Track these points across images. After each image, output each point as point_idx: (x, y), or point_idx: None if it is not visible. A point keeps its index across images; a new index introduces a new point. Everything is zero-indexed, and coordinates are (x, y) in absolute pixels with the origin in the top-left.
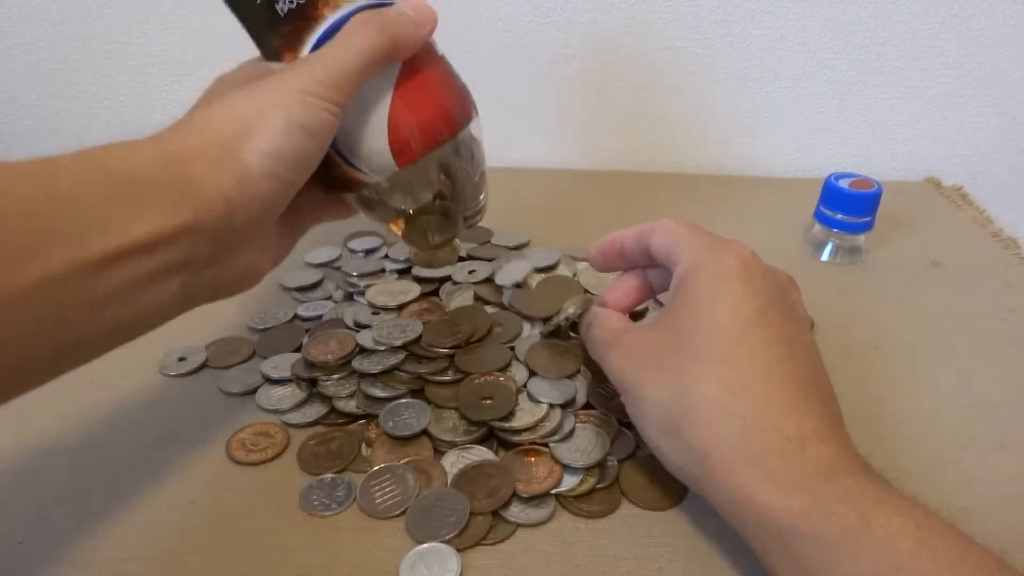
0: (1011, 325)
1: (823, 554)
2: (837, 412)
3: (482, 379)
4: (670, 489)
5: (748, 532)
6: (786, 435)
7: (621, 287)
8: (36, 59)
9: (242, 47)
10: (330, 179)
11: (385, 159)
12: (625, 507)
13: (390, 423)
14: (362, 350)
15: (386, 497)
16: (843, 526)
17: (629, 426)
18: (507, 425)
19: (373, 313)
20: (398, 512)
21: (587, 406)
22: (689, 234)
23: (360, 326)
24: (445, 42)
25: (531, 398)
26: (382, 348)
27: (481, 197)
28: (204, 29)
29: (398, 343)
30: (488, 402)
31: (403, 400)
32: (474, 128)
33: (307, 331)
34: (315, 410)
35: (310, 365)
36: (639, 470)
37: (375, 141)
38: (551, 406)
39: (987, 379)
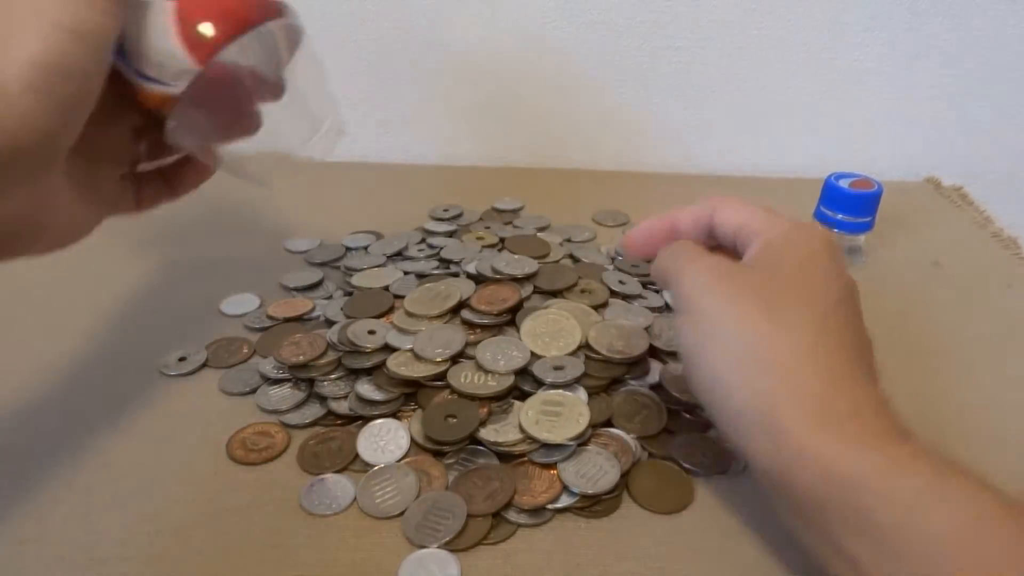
0: (1011, 325)
1: (896, 510)
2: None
3: (450, 395)
4: (678, 495)
5: (800, 493)
6: (860, 400)
7: (646, 230)
8: None
9: None
10: (135, 112)
11: (179, 58)
12: (626, 507)
13: (365, 447)
14: (344, 351)
15: (386, 497)
16: (918, 483)
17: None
18: (491, 440)
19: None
20: (397, 513)
21: (606, 424)
22: (765, 211)
23: (332, 323)
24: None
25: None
26: (344, 348)
27: (319, 117)
28: None
29: (368, 348)
30: (452, 420)
31: (378, 420)
32: (288, 31)
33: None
34: (313, 411)
35: (287, 366)
36: (647, 475)
37: (163, 40)
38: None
39: (987, 379)
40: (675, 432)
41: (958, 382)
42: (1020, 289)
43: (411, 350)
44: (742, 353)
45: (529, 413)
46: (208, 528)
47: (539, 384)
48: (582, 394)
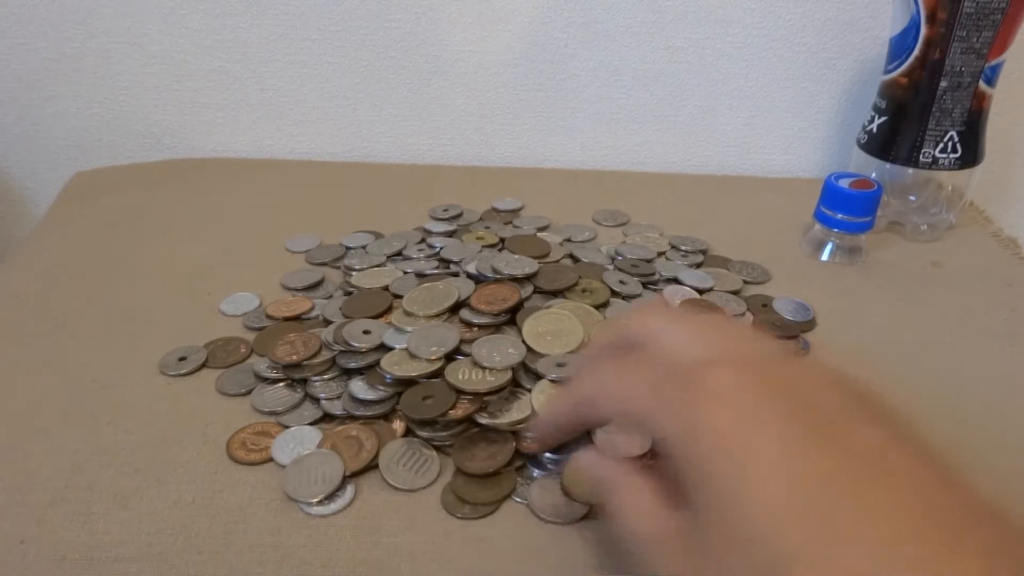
0: (1011, 325)
1: None
2: (1006, 528)
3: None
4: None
5: None
6: None
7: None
8: (36, 59)
9: (242, 47)
10: None
11: None
12: None
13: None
14: (339, 351)
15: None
16: None
17: None
18: (494, 422)
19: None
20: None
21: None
22: (644, 387)
23: (330, 323)
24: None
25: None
26: (338, 348)
27: None
28: (204, 29)
29: (362, 347)
30: (429, 401)
31: (353, 434)
32: None
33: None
34: (310, 412)
35: (280, 366)
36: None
37: None
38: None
39: (987, 379)
40: None
41: (958, 383)
42: (1020, 289)
43: (405, 349)
44: None
45: (540, 398)
46: (208, 528)
47: (539, 379)
48: None
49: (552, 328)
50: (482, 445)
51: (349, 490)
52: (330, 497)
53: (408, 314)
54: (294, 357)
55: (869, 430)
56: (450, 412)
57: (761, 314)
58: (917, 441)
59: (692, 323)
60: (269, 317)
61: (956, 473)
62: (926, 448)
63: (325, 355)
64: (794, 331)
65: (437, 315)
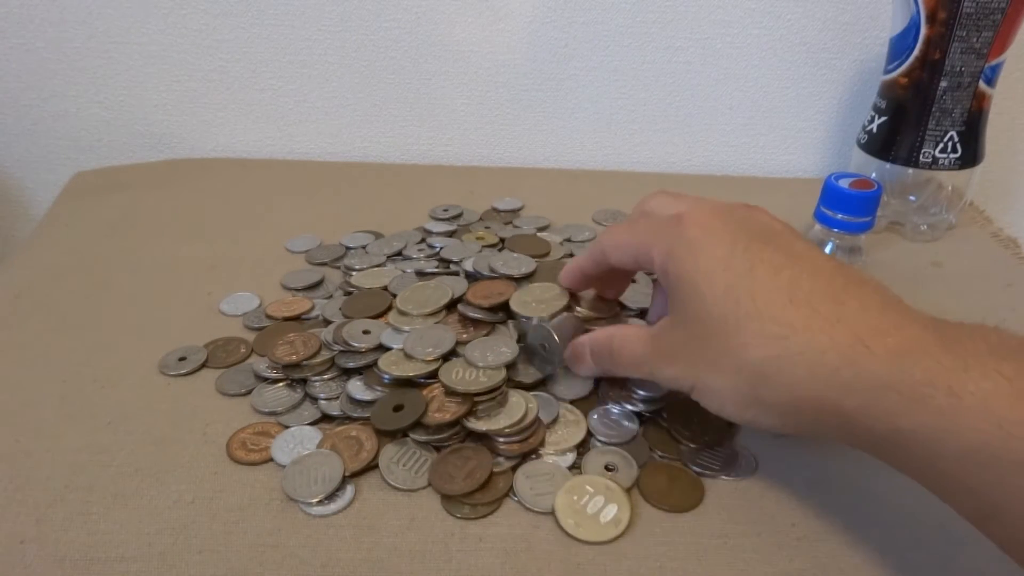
0: (1011, 325)
1: (924, 442)
2: (876, 288)
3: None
4: (689, 492)
5: (865, 447)
6: (845, 346)
7: (572, 272)
8: (36, 59)
9: (241, 47)
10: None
11: None
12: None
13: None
14: (338, 351)
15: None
16: (934, 408)
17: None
18: (481, 429)
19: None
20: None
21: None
22: (645, 221)
23: (330, 323)
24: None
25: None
26: (338, 348)
27: None
28: (204, 29)
29: (361, 347)
30: (399, 412)
31: (353, 434)
32: None
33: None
34: (310, 412)
35: (280, 366)
36: (658, 474)
37: None
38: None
39: None
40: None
41: None
42: (1020, 289)
43: (401, 349)
44: (739, 397)
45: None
46: (208, 528)
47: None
48: None
49: (537, 297)
50: (457, 464)
51: (349, 490)
52: (330, 497)
53: (403, 314)
54: (293, 357)
55: (798, 241)
56: (436, 415)
57: None
58: (835, 259)
59: (680, 194)
60: (269, 317)
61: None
62: (838, 261)
63: (325, 355)
64: None
65: (432, 314)
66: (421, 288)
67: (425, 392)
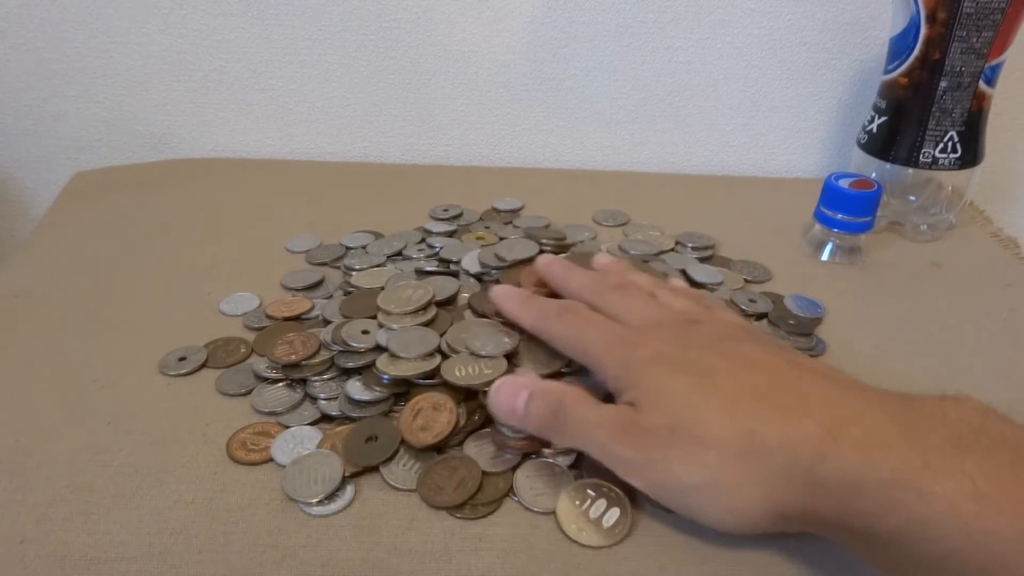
0: (1011, 325)
1: (895, 545)
2: (843, 382)
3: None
4: None
5: (839, 539)
6: (807, 445)
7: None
8: (36, 59)
9: (241, 47)
10: None
11: None
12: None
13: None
14: (337, 351)
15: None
16: (907, 514)
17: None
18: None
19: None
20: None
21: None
22: (594, 338)
23: (329, 323)
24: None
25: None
26: (337, 348)
27: None
28: (204, 29)
29: (360, 347)
30: (373, 443)
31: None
32: None
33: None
34: (310, 412)
35: (280, 365)
36: None
37: None
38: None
39: (987, 379)
40: None
41: (958, 383)
42: (1020, 289)
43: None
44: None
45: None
46: (208, 528)
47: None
48: None
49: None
50: (444, 474)
51: (349, 490)
52: (330, 497)
53: (387, 313)
54: (293, 357)
55: (745, 345)
56: (421, 435)
57: (774, 311)
58: (788, 353)
59: (637, 295)
60: (269, 317)
61: (822, 368)
62: (792, 354)
63: (324, 355)
64: (808, 328)
65: (414, 312)
66: (400, 288)
67: (414, 403)
